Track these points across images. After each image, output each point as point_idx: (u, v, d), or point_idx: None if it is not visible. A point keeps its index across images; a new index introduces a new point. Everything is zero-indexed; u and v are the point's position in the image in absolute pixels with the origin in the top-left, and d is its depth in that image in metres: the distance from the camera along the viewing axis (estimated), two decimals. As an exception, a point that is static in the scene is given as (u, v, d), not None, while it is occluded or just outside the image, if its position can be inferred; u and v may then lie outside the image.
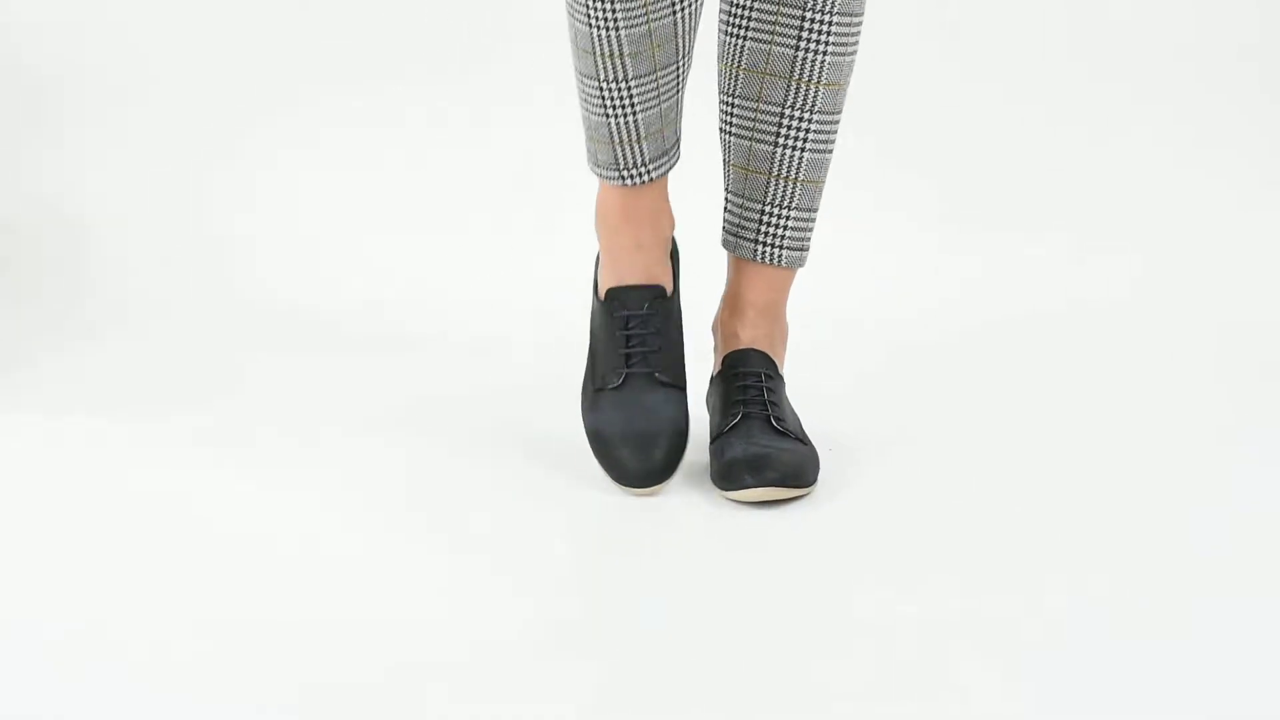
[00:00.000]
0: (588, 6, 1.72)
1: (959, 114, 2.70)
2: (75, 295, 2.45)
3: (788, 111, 1.80)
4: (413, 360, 2.24)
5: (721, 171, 1.87)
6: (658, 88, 1.77)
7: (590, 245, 1.91)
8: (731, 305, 1.88)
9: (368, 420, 1.99)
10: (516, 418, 1.97)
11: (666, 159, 1.81)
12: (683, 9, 1.75)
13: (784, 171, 1.82)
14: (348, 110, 2.67)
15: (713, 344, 1.90)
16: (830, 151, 1.83)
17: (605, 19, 1.71)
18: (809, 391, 1.92)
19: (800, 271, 1.89)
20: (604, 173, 1.81)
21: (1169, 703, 1.32)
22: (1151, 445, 1.94)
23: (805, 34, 1.77)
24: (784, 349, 1.91)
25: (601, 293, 1.85)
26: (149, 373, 2.19)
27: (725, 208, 1.87)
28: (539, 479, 1.81)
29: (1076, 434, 1.98)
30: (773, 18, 1.78)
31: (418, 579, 1.58)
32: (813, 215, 1.85)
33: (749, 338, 1.86)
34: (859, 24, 1.80)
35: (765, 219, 1.84)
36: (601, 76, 1.75)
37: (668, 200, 1.85)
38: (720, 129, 1.85)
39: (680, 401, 1.80)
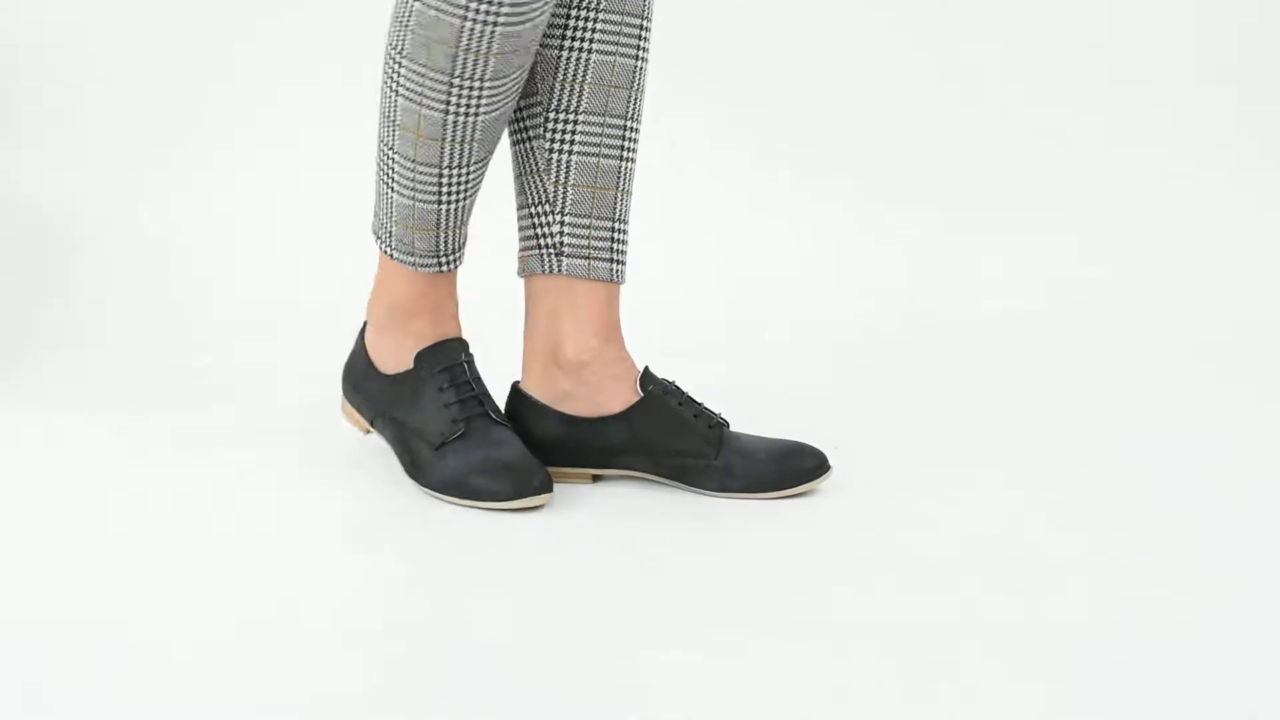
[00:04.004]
0: (450, 94, 1.66)
1: (951, 116, 2.72)
2: (67, 297, 2.45)
3: (630, 123, 1.78)
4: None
5: (543, 192, 1.79)
6: (484, 171, 1.74)
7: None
8: (606, 332, 1.80)
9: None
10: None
11: (466, 240, 1.79)
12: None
13: (625, 185, 1.79)
14: (330, 110, 2.66)
15: (564, 388, 1.79)
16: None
17: (468, 105, 1.67)
18: (800, 390, 1.92)
19: (795, 274, 1.87)
20: (420, 260, 1.76)
21: (1170, 704, 1.33)
22: (1151, 444, 1.95)
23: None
24: None
25: (391, 369, 1.79)
26: (147, 373, 2.19)
27: (562, 231, 1.79)
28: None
29: (1073, 434, 1.98)
30: (616, 28, 1.76)
31: (414, 579, 1.58)
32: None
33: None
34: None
35: (616, 236, 1.79)
36: (445, 163, 1.70)
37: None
38: (554, 148, 1.78)
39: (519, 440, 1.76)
